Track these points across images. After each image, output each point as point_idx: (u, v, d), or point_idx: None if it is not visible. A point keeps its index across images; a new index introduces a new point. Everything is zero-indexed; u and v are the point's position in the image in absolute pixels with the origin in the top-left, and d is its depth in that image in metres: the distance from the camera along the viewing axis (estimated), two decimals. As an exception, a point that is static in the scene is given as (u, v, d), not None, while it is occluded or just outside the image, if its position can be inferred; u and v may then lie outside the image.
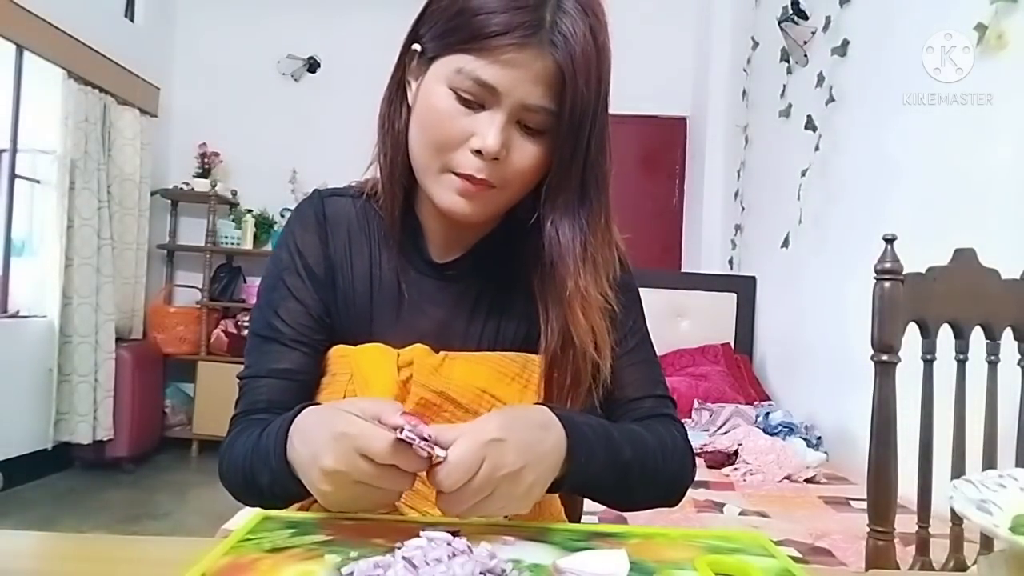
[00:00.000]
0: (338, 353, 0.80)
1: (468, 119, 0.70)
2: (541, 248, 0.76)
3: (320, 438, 0.58)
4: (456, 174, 0.72)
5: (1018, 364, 1.33)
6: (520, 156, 0.71)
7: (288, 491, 0.66)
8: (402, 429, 0.56)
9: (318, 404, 0.68)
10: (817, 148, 2.62)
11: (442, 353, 0.79)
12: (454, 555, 0.53)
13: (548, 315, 0.77)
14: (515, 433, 0.60)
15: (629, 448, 0.73)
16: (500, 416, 0.63)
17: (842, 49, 2.56)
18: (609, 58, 0.72)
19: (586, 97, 0.69)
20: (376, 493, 0.59)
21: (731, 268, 3.80)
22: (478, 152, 0.70)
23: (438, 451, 0.57)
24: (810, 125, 2.69)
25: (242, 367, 0.81)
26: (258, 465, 0.68)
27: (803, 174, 2.67)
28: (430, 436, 0.56)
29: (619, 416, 0.82)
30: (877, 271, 1.20)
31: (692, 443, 0.83)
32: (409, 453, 0.56)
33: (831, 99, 2.60)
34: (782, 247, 3.04)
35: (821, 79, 2.67)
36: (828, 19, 2.67)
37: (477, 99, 0.69)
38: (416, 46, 0.75)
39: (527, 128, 0.71)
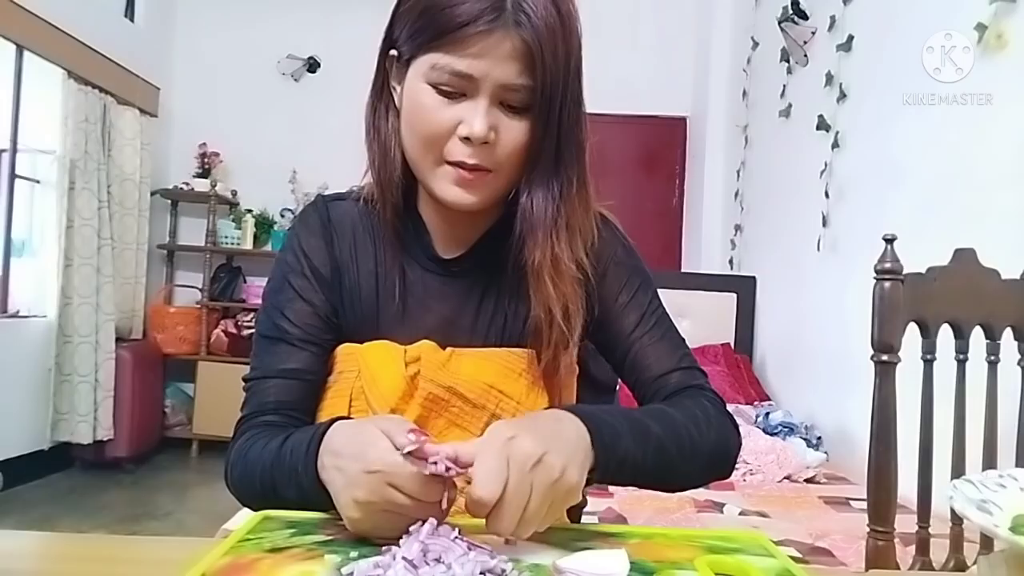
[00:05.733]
0: (345, 351, 0.80)
1: (453, 109, 0.71)
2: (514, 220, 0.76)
3: (353, 470, 0.58)
4: (450, 163, 0.73)
5: (1018, 364, 1.32)
6: (508, 136, 0.72)
7: (319, 507, 0.64)
8: (440, 462, 0.56)
9: (345, 419, 0.67)
10: (836, 145, 2.59)
11: (449, 349, 0.79)
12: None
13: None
14: (526, 427, 0.60)
15: (656, 424, 0.71)
16: (507, 421, 0.63)
17: (847, 45, 2.56)
18: (576, 27, 0.73)
19: (555, 69, 0.70)
20: (404, 520, 0.57)
21: (731, 268, 3.80)
22: (467, 139, 0.71)
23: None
24: (822, 125, 2.68)
25: (248, 370, 0.80)
26: (282, 480, 0.67)
27: (821, 174, 2.65)
28: (452, 466, 0.56)
29: (649, 396, 0.82)
30: (877, 271, 1.20)
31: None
32: (438, 487, 0.57)
33: (842, 95, 2.59)
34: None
35: (830, 78, 2.66)
36: (832, 18, 2.67)
37: (457, 90, 0.71)
38: (393, 51, 0.77)
39: (511, 107, 0.72)
